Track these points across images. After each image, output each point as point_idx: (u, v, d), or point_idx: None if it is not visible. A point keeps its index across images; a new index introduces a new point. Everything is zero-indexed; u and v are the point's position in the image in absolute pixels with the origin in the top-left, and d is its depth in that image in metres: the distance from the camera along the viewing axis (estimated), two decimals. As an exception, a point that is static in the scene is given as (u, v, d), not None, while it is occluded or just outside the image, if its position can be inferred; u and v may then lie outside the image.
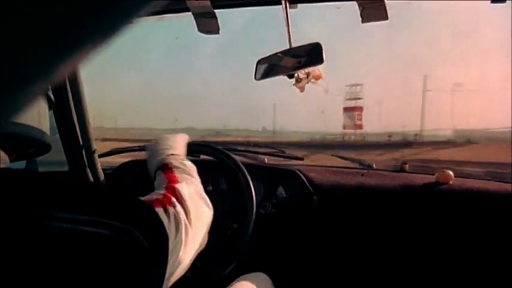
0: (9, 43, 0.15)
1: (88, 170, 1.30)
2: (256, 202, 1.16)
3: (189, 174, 0.75)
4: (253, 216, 1.13)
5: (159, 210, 0.54)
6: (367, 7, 0.96)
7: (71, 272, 0.36)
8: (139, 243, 0.40)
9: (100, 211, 0.39)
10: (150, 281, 0.42)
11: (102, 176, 1.36)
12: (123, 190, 1.40)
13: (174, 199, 0.60)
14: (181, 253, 0.55)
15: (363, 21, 0.99)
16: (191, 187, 0.68)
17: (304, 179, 1.35)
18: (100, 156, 1.38)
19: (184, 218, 0.59)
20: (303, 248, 1.36)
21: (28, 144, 0.51)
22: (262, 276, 1.06)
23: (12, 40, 0.15)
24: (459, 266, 1.23)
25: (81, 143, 1.25)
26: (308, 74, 1.01)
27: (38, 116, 0.51)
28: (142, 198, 0.57)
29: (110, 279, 0.38)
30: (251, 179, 1.18)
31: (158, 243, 0.43)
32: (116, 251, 0.38)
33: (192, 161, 1.25)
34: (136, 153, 1.56)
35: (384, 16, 0.96)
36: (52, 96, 0.56)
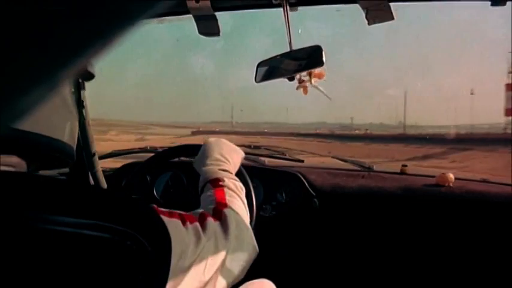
0: (15, 46, 0.16)
1: (88, 172, 1.30)
2: (256, 204, 1.16)
3: (239, 199, 0.70)
4: (253, 219, 1.13)
5: (175, 221, 0.50)
6: (371, 9, 0.95)
7: (71, 275, 0.36)
8: (141, 245, 0.39)
9: (101, 214, 0.39)
10: (152, 283, 0.41)
11: (102, 178, 1.36)
12: (124, 192, 1.40)
13: (214, 221, 0.57)
14: (205, 274, 0.51)
15: (369, 24, 0.98)
16: (239, 217, 0.64)
17: (305, 182, 1.35)
18: (101, 158, 1.38)
19: (223, 241, 0.56)
20: (303, 250, 1.36)
21: (56, 156, 0.51)
22: (267, 284, 1.05)
23: (17, 42, 0.15)
24: (459, 268, 1.23)
25: (81, 145, 1.25)
26: (310, 74, 1.01)
27: (68, 130, 0.51)
28: (181, 213, 0.54)
29: (111, 282, 0.38)
30: (251, 181, 1.18)
31: (160, 246, 0.43)
32: (118, 254, 0.38)
33: (190, 162, 1.25)
34: (137, 154, 1.56)
35: (390, 16, 0.96)
36: (84, 113, 0.56)
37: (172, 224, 0.47)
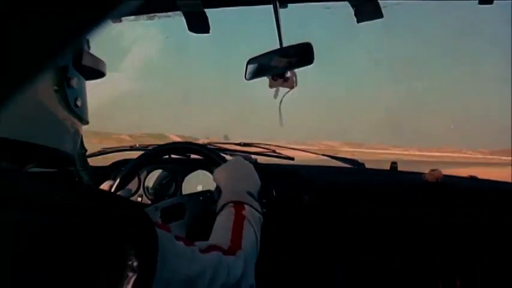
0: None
1: (77, 170, 1.29)
2: None
3: (255, 235, 0.72)
4: None
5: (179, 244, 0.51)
6: (360, 7, 0.96)
7: (57, 274, 0.35)
8: (133, 244, 0.39)
9: (91, 214, 0.38)
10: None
11: (92, 176, 1.34)
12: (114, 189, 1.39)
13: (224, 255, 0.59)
14: None
15: (358, 21, 0.99)
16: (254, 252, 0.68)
17: (296, 179, 1.35)
18: (90, 155, 1.37)
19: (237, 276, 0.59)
20: (293, 248, 1.36)
21: (62, 159, 0.52)
22: None
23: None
24: (450, 263, 1.25)
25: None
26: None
27: (72, 132, 0.53)
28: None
29: (98, 283, 0.37)
30: None
31: (148, 244, 0.42)
32: (108, 254, 0.38)
33: (183, 160, 1.25)
34: (127, 152, 1.55)
35: (379, 14, 0.96)
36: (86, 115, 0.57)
37: (168, 237, 0.47)
